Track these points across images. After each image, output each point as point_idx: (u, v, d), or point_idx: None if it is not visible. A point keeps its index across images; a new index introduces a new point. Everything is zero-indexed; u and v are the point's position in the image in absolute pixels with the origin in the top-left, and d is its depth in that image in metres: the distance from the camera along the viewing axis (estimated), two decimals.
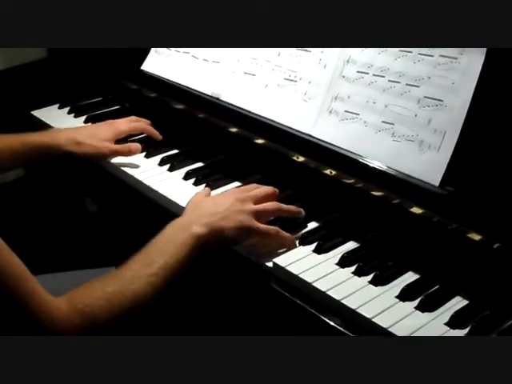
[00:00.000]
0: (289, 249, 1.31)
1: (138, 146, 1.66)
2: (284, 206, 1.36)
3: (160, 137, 1.73)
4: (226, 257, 1.34)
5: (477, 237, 1.19)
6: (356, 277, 1.23)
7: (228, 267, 1.35)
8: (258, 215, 1.31)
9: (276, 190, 1.40)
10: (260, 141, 1.54)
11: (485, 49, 1.22)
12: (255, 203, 1.34)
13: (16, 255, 1.05)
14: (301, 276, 1.23)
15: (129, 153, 1.65)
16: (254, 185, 1.42)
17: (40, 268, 1.36)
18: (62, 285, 1.34)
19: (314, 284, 1.20)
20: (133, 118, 1.76)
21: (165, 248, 1.22)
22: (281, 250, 1.30)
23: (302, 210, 1.37)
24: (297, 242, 1.33)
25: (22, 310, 1.03)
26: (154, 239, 1.24)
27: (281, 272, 1.25)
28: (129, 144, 1.66)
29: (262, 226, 1.30)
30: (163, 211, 1.49)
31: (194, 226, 1.25)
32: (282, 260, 1.27)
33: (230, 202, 1.31)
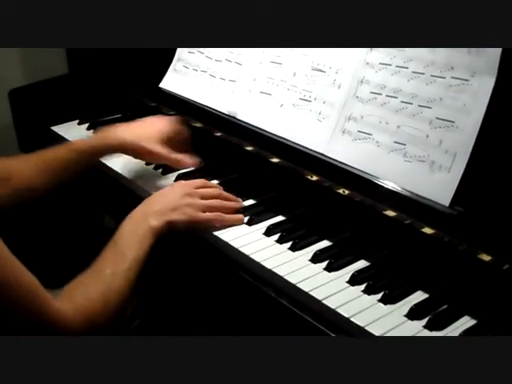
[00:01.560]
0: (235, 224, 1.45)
1: (196, 160, 1.64)
2: (225, 192, 1.52)
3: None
4: (236, 272, 1.36)
5: (486, 257, 1.20)
6: (365, 295, 1.24)
7: (238, 282, 1.37)
8: (203, 209, 1.44)
9: (222, 192, 1.52)
10: (275, 160, 1.56)
11: (496, 71, 1.23)
12: (202, 198, 1.46)
13: (24, 267, 1.08)
14: (311, 293, 1.24)
15: (185, 164, 1.63)
16: (202, 180, 1.55)
17: (56, 282, 1.39)
18: None
19: (324, 301, 1.21)
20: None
21: (130, 242, 1.31)
22: (293, 270, 1.31)
23: (240, 200, 1.52)
24: (307, 259, 1.33)
25: (32, 320, 1.08)
26: (117, 233, 1.33)
27: (291, 289, 1.27)
28: (185, 156, 1.63)
29: (205, 216, 1.43)
30: None
31: (149, 219, 1.36)
32: (293, 277, 1.28)
33: (178, 196, 1.43)
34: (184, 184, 1.51)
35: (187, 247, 1.49)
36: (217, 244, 1.43)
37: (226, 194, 1.51)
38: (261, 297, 1.32)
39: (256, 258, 1.34)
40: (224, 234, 1.42)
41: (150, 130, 1.64)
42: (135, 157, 1.65)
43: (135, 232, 1.33)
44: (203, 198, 1.46)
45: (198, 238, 1.46)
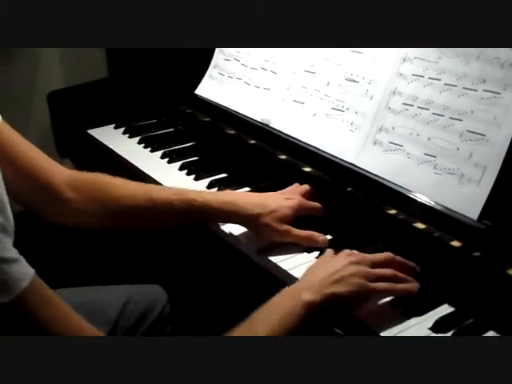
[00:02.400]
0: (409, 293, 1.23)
1: (325, 238, 1.42)
2: (401, 274, 1.24)
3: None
4: None
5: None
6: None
7: None
8: (373, 279, 1.21)
9: (396, 257, 1.28)
10: (307, 169, 1.56)
11: None
12: (372, 267, 1.24)
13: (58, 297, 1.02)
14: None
15: (311, 243, 1.41)
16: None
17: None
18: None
19: None
20: (305, 188, 1.53)
21: (269, 317, 1.13)
22: None
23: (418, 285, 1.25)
24: None
25: None
26: (261, 307, 1.15)
27: None
28: (314, 234, 1.41)
29: (376, 285, 1.21)
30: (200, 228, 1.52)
31: (303, 293, 1.15)
32: None
33: (342, 265, 1.22)
34: (350, 253, 1.28)
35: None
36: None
37: (399, 258, 1.28)
38: None
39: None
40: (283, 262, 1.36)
41: (279, 203, 1.44)
42: (256, 231, 1.44)
43: (280, 307, 1.14)
44: (374, 266, 1.25)
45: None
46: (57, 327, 0.98)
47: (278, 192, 1.51)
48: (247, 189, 1.65)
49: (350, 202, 1.47)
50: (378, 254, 1.28)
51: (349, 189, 1.47)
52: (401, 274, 1.25)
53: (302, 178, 1.56)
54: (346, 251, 1.29)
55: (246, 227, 1.44)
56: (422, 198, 1.33)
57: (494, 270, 1.21)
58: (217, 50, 1.88)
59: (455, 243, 1.27)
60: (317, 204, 1.48)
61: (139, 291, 1.57)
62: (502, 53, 1.27)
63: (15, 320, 0.94)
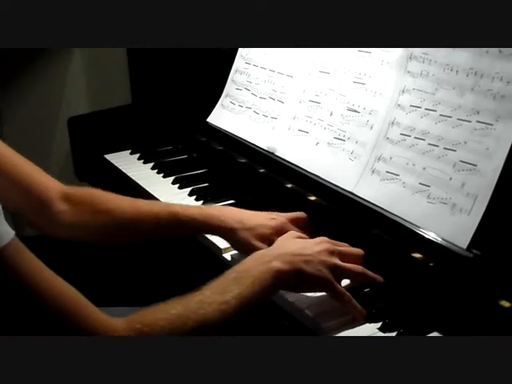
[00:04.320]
0: (354, 322, 1.26)
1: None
2: (369, 272, 1.32)
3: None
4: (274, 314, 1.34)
5: (506, 304, 1.19)
6: (380, 332, 1.25)
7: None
8: (341, 273, 1.29)
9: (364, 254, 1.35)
10: (312, 197, 1.59)
11: None
12: (343, 260, 1.30)
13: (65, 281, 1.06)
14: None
15: None
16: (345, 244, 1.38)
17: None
18: None
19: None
20: (295, 215, 1.55)
21: (241, 278, 1.20)
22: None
23: (383, 280, 1.33)
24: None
25: (79, 329, 1.04)
26: (234, 267, 1.24)
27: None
28: None
29: (338, 286, 1.27)
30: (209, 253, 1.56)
31: (274, 261, 1.23)
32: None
33: (317, 249, 1.28)
34: (327, 240, 1.34)
35: None
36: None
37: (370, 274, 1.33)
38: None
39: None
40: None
41: (260, 222, 1.48)
42: (232, 245, 1.50)
43: (252, 270, 1.22)
44: (344, 259, 1.31)
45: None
46: (40, 282, 1.01)
47: (269, 212, 1.54)
48: None
49: (348, 229, 1.48)
50: (352, 248, 1.36)
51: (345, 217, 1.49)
52: (369, 273, 1.32)
53: (307, 207, 1.59)
54: (324, 238, 1.35)
55: (225, 240, 1.50)
56: (414, 227, 1.34)
57: (483, 298, 1.21)
58: (229, 79, 1.93)
59: (450, 273, 1.28)
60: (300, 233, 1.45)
61: None
62: (495, 85, 1.28)
63: None
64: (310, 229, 1.51)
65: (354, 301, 1.27)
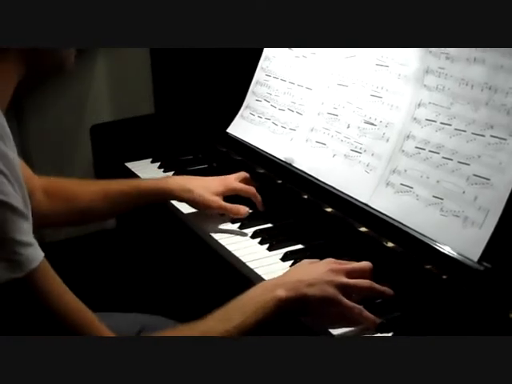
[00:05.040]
0: (366, 331, 1.27)
1: (246, 209, 1.71)
2: (377, 285, 1.33)
3: (262, 208, 1.75)
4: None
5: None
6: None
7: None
8: (348, 290, 1.29)
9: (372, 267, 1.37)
10: (328, 209, 1.60)
11: None
12: (348, 277, 1.32)
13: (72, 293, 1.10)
14: None
15: (237, 213, 1.70)
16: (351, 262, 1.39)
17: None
18: None
19: None
20: (243, 174, 1.81)
21: (244, 307, 1.23)
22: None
23: (393, 292, 1.34)
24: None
25: None
26: (238, 297, 1.25)
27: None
28: (238, 205, 1.71)
29: (347, 301, 1.27)
30: (220, 260, 1.59)
31: (278, 290, 1.25)
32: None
33: (321, 271, 1.31)
34: (333, 261, 1.37)
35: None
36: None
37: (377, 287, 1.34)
38: None
39: None
40: None
41: (208, 183, 1.73)
42: (191, 205, 1.73)
43: (255, 299, 1.24)
44: (350, 276, 1.33)
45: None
46: (60, 304, 1.05)
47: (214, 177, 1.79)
48: (269, 225, 1.69)
49: (363, 241, 1.50)
50: (358, 264, 1.36)
51: (362, 229, 1.50)
52: (377, 286, 1.32)
53: (323, 217, 1.61)
54: (330, 259, 1.38)
55: (183, 201, 1.72)
56: (427, 239, 1.36)
57: (491, 311, 1.23)
58: (250, 91, 1.95)
59: (460, 285, 1.29)
60: (246, 187, 1.75)
61: (152, 322, 1.61)
62: (509, 100, 1.30)
63: (25, 297, 1.02)
64: (254, 185, 1.76)
65: (366, 312, 1.28)
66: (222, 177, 1.78)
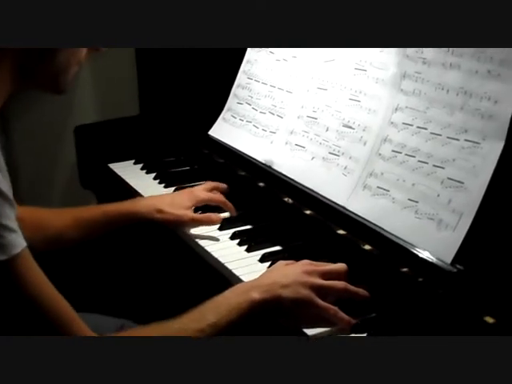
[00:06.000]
0: (341, 332, 1.28)
1: (219, 216, 1.71)
2: (352, 287, 1.33)
3: (234, 212, 1.76)
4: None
5: (490, 320, 1.21)
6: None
7: None
8: (322, 291, 1.31)
9: (347, 268, 1.38)
10: (307, 211, 1.61)
11: (504, 136, 1.27)
12: (323, 279, 1.33)
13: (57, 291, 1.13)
14: None
15: (209, 222, 1.69)
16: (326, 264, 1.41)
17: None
18: None
19: None
20: (210, 184, 1.81)
21: (219, 308, 1.25)
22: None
23: (368, 294, 1.35)
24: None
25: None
26: (213, 298, 1.27)
27: None
28: (209, 214, 1.71)
29: (321, 302, 1.29)
30: (199, 261, 1.60)
31: (252, 292, 1.27)
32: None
33: (296, 273, 1.33)
34: (308, 262, 1.39)
35: None
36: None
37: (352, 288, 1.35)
38: None
39: None
40: None
41: (176, 199, 1.74)
42: (163, 224, 1.71)
43: (229, 300, 1.27)
44: (325, 277, 1.34)
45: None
46: (41, 294, 1.08)
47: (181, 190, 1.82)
48: (249, 226, 1.70)
49: (340, 242, 1.51)
50: (333, 265, 1.38)
51: (339, 231, 1.52)
52: (352, 288, 1.33)
53: (302, 220, 1.62)
54: (306, 261, 1.40)
55: (155, 222, 1.69)
56: (401, 241, 1.37)
57: (465, 313, 1.24)
58: (231, 93, 1.97)
59: (434, 287, 1.30)
60: (214, 195, 1.77)
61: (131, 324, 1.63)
62: (483, 105, 1.31)
63: (5, 282, 1.04)
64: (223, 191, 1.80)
65: (341, 313, 1.29)
66: (188, 189, 1.80)
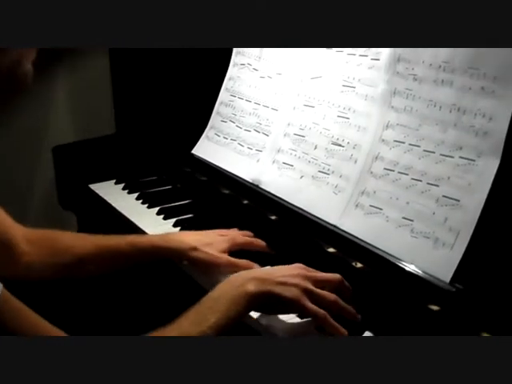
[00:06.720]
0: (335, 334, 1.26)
1: (259, 267, 1.53)
2: (342, 302, 1.31)
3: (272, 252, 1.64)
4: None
5: (485, 334, 1.20)
6: None
7: None
8: (313, 297, 1.29)
9: (343, 280, 1.36)
10: (297, 230, 1.60)
11: (500, 153, 1.26)
12: (316, 286, 1.32)
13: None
14: None
15: (247, 269, 1.50)
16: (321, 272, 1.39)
17: None
18: None
19: None
20: (247, 233, 1.68)
21: (216, 305, 1.23)
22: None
23: (358, 315, 1.32)
24: None
25: None
26: (210, 292, 1.26)
27: None
28: (248, 261, 1.54)
29: (311, 306, 1.27)
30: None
31: (247, 284, 1.26)
32: None
33: (291, 274, 1.32)
34: (303, 267, 1.38)
35: None
36: None
37: (346, 283, 1.36)
38: None
39: None
40: None
41: (212, 239, 1.60)
42: (194, 264, 1.58)
43: (226, 294, 1.25)
44: (318, 284, 1.33)
45: None
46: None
47: (214, 230, 1.66)
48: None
49: (332, 262, 1.49)
50: (329, 274, 1.36)
51: (331, 250, 1.50)
52: (342, 303, 1.31)
53: (291, 238, 1.60)
54: (300, 264, 1.38)
55: (186, 260, 1.57)
56: (397, 261, 1.36)
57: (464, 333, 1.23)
58: (214, 111, 1.95)
59: (432, 307, 1.29)
60: (252, 239, 1.64)
61: None
62: (477, 121, 1.31)
63: None
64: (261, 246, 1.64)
65: (330, 319, 1.27)
66: (224, 231, 1.67)
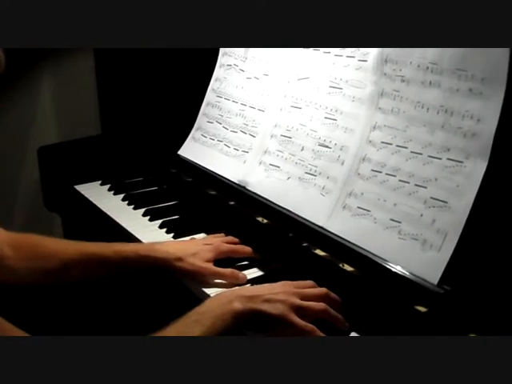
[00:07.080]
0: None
1: (244, 276, 1.54)
2: (332, 311, 1.33)
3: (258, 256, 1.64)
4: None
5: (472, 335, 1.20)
6: None
7: None
8: (301, 311, 1.30)
9: (329, 293, 1.37)
10: (284, 232, 1.59)
11: (488, 155, 1.26)
12: (303, 300, 1.33)
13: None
14: None
15: (233, 279, 1.53)
16: (310, 282, 1.41)
17: None
18: None
19: None
20: (230, 238, 1.68)
21: (203, 319, 1.24)
22: None
23: (347, 323, 1.33)
24: None
25: None
26: (197, 307, 1.27)
27: None
28: (235, 271, 1.54)
29: (299, 321, 1.28)
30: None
31: (234, 302, 1.27)
32: None
33: (278, 290, 1.33)
34: (290, 283, 1.39)
35: None
36: None
37: (333, 295, 1.37)
38: None
39: None
40: None
41: (197, 249, 1.59)
42: (180, 274, 1.57)
43: (213, 310, 1.26)
44: (305, 299, 1.34)
45: None
46: None
47: (199, 239, 1.69)
48: None
49: (320, 264, 1.49)
50: (314, 289, 1.37)
51: (319, 252, 1.49)
52: (332, 312, 1.33)
53: (277, 240, 1.59)
54: (287, 282, 1.39)
55: (172, 270, 1.55)
56: (385, 262, 1.35)
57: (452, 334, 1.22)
58: (200, 112, 1.94)
59: (419, 308, 1.29)
60: (237, 246, 1.63)
61: None
62: (465, 123, 1.30)
63: None
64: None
65: (318, 331, 1.28)
66: (210, 239, 1.67)
